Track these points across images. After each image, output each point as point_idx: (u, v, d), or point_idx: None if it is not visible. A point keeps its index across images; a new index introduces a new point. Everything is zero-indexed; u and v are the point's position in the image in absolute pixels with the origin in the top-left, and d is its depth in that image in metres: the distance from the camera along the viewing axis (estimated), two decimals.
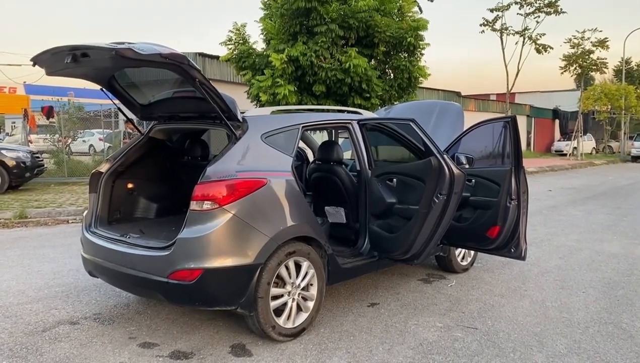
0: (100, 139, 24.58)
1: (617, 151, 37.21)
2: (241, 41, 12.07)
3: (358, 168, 4.75)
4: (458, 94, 28.80)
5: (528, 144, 37.06)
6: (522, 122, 33.49)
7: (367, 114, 5.28)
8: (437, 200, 4.04)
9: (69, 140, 15.40)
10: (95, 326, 4.26)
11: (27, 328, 4.21)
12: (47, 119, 15.08)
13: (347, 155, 5.58)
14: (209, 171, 3.65)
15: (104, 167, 4.54)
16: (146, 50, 3.28)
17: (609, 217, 9.87)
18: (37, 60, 3.82)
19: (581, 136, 31.47)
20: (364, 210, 4.68)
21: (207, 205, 3.59)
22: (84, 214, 4.52)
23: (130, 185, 4.73)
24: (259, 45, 12.26)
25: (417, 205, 4.17)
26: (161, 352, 3.79)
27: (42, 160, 13.14)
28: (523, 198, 4.58)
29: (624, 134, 36.44)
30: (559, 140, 37.87)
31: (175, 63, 3.42)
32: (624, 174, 21.56)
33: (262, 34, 11.98)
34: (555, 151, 35.99)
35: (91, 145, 24.99)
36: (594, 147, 37.31)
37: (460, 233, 4.82)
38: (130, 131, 13.27)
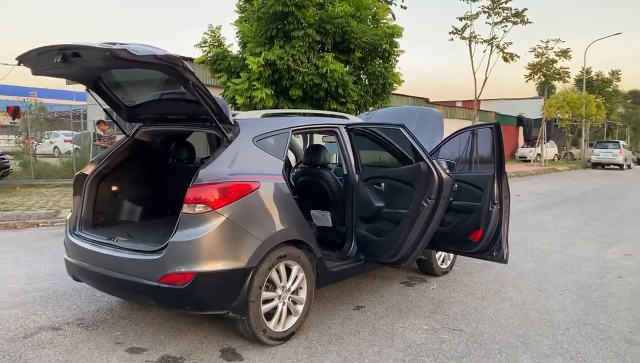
0: (65, 141, 24.04)
1: (578, 158, 38.35)
2: (216, 44, 12.01)
3: (345, 172, 4.79)
4: (427, 100, 29.23)
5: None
6: None
7: (354, 119, 5.33)
8: (425, 204, 4.10)
9: (35, 142, 14.98)
10: (79, 331, 4.16)
11: (7, 334, 4.08)
12: (13, 119, 14.63)
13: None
14: (201, 174, 3.62)
15: (88, 169, 4.45)
16: (141, 52, 3.24)
17: (577, 222, 10.18)
18: (23, 59, 3.73)
19: (544, 143, 32.35)
20: (350, 214, 4.71)
21: (199, 208, 3.56)
22: (68, 217, 4.42)
23: (114, 188, 4.65)
24: (234, 48, 12.23)
25: (406, 209, 4.22)
26: (150, 357, 3.73)
27: (7, 162, 12.77)
28: (505, 203, 4.69)
29: (585, 141, 37.62)
30: (522, 147, 38.78)
31: (170, 65, 3.39)
32: (586, 180, 22.24)
33: (238, 36, 11.94)
34: (519, 157, 36.86)
35: (56, 147, 24.39)
36: (556, 154, 38.37)
37: (443, 236, 4.89)
38: (101, 133, 13.00)
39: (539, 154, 32.52)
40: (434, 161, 4.14)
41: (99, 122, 13.06)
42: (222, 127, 3.85)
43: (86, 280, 4.19)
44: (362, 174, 4.67)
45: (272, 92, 10.90)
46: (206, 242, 3.54)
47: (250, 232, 3.69)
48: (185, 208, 3.58)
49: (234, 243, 3.63)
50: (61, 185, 13.56)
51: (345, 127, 4.79)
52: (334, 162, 6.10)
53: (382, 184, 4.56)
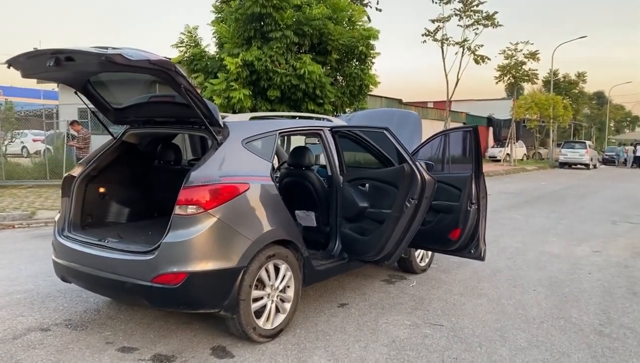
0: (34, 140, 23.56)
1: (546, 157, 39.33)
2: (193, 44, 12.03)
3: (329, 173, 4.92)
4: (400, 101, 29.57)
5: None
6: None
7: (337, 122, 5.46)
8: (409, 204, 4.26)
9: (6, 141, 14.69)
10: (68, 332, 4.20)
11: None
12: None
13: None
14: (192, 176, 3.71)
15: (76, 171, 4.48)
16: (135, 56, 3.31)
17: (547, 220, 10.52)
18: (12, 63, 3.77)
19: (514, 143, 33.08)
20: (334, 214, 4.84)
21: (191, 209, 3.64)
22: (56, 218, 4.45)
23: (102, 190, 4.69)
24: (211, 49, 12.26)
25: (389, 209, 4.38)
26: (142, 355, 3.80)
27: None
28: (482, 202, 4.89)
29: (552, 141, 38.61)
30: (492, 147, 39.54)
31: (163, 69, 3.47)
32: (554, 179, 22.88)
33: (215, 37, 11.98)
34: (489, 157, 37.58)
35: (24, 147, 23.88)
36: (525, 154, 39.27)
37: (423, 235, 5.05)
38: (75, 133, 12.84)
39: (508, 154, 33.25)
40: (417, 163, 4.30)
41: (73, 123, 12.91)
42: (212, 130, 3.94)
43: (75, 281, 4.22)
44: (346, 175, 4.80)
45: (250, 92, 10.97)
46: (198, 243, 3.62)
47: (241, 233, 3.79)
48: (177, 210, 3.66)
49: (225, 244, 3.73)
50: (34, 186, 13.36)
51: (329, 130, 4.92)
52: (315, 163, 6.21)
53: (367, 185, 4.70)
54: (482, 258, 4.98)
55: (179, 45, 11.99)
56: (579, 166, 32.82)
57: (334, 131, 4.87)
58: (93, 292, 4.43)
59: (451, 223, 4.92)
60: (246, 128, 4.24)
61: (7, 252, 6.94)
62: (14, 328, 4.26)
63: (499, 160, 34.35)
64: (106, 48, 3.40)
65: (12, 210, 9.66)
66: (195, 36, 12.04)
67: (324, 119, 5.57)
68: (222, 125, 4.02)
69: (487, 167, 27.78)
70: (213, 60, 11.60)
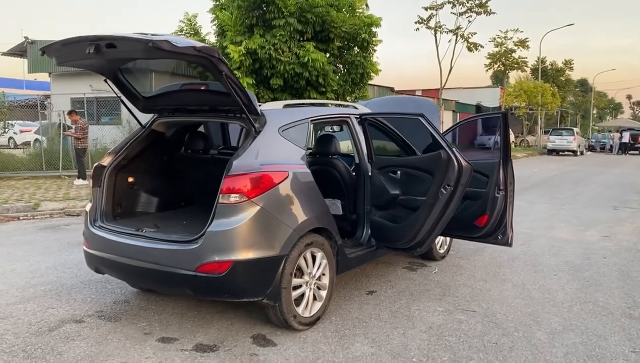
0: (22, 131, 23.17)
1: (534, 145, 39.69)
2: (193, 32, 11.89)
3: (357, 161, 4.90)
4: (392, 89, 29.55)
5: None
6: (448, 116, 34.98)
7: (362, 109, 5.43)
8: (444, 191, 4.26)
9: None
10: (103, 324, 4.15)
11: (30, 328, 4.03)
12: None
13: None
14: (235, 165, 3.67)
15: (106, 161, 4.41)
16: (180, 43, 3.27)
17: (550, 206, 10.64)
18: (47, 50, 3.70)
19: None
20: (362, 201, 4.83)
21: (234, 198, 3.61)
22: (87, 209, 4.38)
23: (131, 179, 4.62)
24: (211, 37, 12.13)
25: (423, 196, 4.37)
26: (183, 345, 3.77)
27: None
28: (510, 188, 4.92)
29: (540, 128, 38.96)
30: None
31: (207, 56, 3.42)
32: (545, 166, 23.09)
33: (215, 24, 11.85)
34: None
35: (11, 138, 23.48)
36: (513, 141, 39.58)
37: (449, 222, 5.08)
38: (70, 125, 12.64)
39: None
40: (454, 149, 4.30)
41: (70, 112, 12.71)
42: (250, 118, 3.90)
43: (111, 272, 4.17)
44: (376, 162, 4.79)
45: (253, 81, 10.89)
46: (242, 231, 3.60)
47: (282, 221, 3.77)
48: (221, 198, 3.63)
49: (268, 232, 3.71)
50: (29, 178, 13.14)
51: (357, 117, 4.90)
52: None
53: (398, 172, 4.70)
54: (509, 244, 5.02)
55: (179, 33, 11.83)
56: (566, 153, 33.15)
57: (363, 118, 4.85)
58: (130, 283, 4.39)
59: (478, 210, 4.94)
60: (282, 116, 4.21)
61: (20, 244, 6.83)
62: (47, 320, 4.20)
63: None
64: (146, 34, 3.35)
65: (14, 201, 9.50)
66: (195, 24, 11.90)
67: (351, 106, 5.54)
68: (259, 113, 3.99)
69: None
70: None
